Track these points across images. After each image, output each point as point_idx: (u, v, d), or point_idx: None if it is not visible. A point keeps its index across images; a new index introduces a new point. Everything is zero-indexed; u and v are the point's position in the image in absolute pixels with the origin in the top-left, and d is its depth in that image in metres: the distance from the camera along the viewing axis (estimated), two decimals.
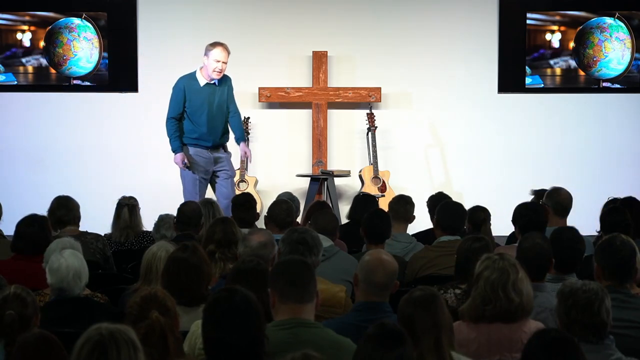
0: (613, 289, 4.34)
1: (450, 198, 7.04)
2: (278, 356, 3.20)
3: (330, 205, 8.59)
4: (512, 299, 4.09)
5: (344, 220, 8.20)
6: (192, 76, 8.58)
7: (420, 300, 3.67)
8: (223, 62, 8.46)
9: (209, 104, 8.52)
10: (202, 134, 8.54)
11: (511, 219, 6.14)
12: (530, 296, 4.14)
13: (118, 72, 10.48)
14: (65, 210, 6.65)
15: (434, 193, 7.37)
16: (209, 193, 8.64)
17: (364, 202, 7.33)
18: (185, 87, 8.54)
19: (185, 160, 8.59)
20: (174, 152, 8.58)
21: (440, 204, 6.37)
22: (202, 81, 8.54)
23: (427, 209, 7.10)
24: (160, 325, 3.61)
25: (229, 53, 8.51)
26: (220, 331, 3.43)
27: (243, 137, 8.83)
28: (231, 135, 8.75)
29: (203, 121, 8.52)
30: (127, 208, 7.09)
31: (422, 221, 7.23)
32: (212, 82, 8.54)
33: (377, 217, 6.12)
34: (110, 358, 2.91)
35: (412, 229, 6.96)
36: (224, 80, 8.63)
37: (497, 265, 4.14)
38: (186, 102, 8.54)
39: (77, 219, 6.70)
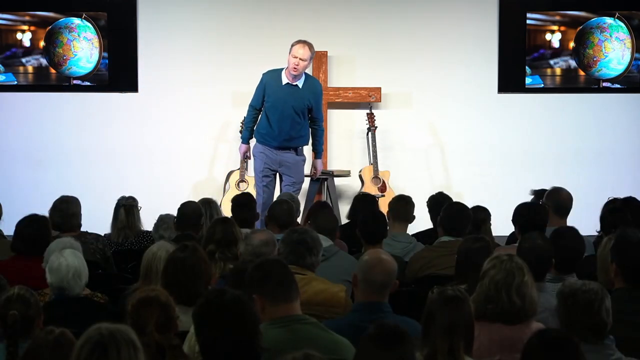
0: (631, 294, 4.25)
1: (450, 198, 7.04)
2: (278, 353, 3.19)
3: (331, 205, 8.59)
4: (514, 301, 4.08)
5: (344, 220, 8.19)
6: (277, 73, 8.51)
7: (445, 299, 3.65)
8: (300, 59, 8.33)
9: (284, 104, 8.42)
10: (270, 132, 8.49)
11: (511, 218, 6.14)
12: (534, 301, 4.12)
13: (118, 72, 10.47)
14: (61, 217, 6.56)
15: (434, 193, 7.36)
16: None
17: (363, 202, 7.33)
18: (266, 82, 8.49)
19: (248, 153, 8.71)
20: (241, 140, 8.76)
21: (446, 205, 6.35)
22: (285, 80, 8.45)
23: (427, 209, 7.08)
24: (156, 342, 3.60)
25: (311, 51, 8.41)
26: (214, 332, 3.42)
27: (320, 153, 8.80)
28: None
29: (274, 120, 8.46)
30: (124, 209, 7.07)
31: (422, 221, 7.22)
32: (295, 83, 8.44)
33: (372, 219, 6.13)
34: (111, 358, 2.90)
35: (412, 229, 6.96)
36: (311, 85, 8.52)
37: (504, 266, 4.14)
38: (265, 97, 8.50)
39: (74, 226, 6.58)
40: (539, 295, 4.23)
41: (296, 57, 8.34)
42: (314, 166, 8.92)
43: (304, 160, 8.71)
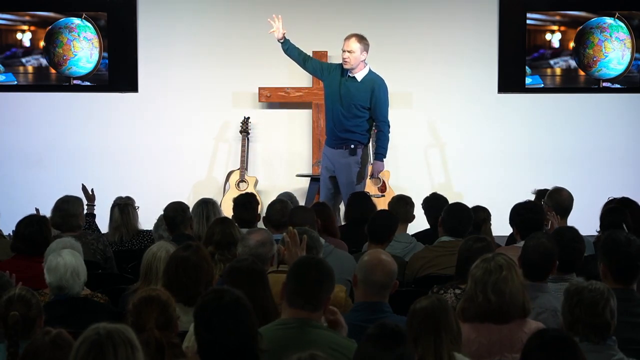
0: (622, 294, 4.26)
1: (445, 198, 7.02)
2: (283, 354, 3.19)
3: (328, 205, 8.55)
4: (489, 299, 4.05)
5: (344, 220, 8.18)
6: (340, 65, 8.33)
7: (423, 311, 3.67)
8: (348, 51, 8.17)
9: (334, 96, 8.23)
10: (326, 128, 8.41)
11: (508, 219, 6.11)
12: (516, 298, 4.07)
13: (118, 72, 10.48)
14: (62, 217, 6.56)
15: (427, 195, 7.30)
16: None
17: (357, 201, 7.32)
18: (329, 73, 8.34)
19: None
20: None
21: (447, 205, 6.35)
22: (344, 73, 8.28)
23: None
24: (156, 339, 3.60)
25: (360, 42, 8.20)
26: (212, 333, 3.42)
27: (380, 155, 8.24)
28: None
29: (328, 113, 8.34)
30: (118, 208, 7.07)
31: (422, 221, 7.22)
32: (352, 76, 8.23)
33: (383, 218, 6.13)
34: (107, 358, 2.89)
35: (412, 229, 6.96)
36: (370, 80, 8.22)
37: (484, 264, 4.12)
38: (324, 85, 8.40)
39: (75, 226, 6.57)
40: (526, 290, 4.19)
41: (344, 51, 8.23)
42: (372, 169, 8.44)
43: (356, 160, 8.34)
